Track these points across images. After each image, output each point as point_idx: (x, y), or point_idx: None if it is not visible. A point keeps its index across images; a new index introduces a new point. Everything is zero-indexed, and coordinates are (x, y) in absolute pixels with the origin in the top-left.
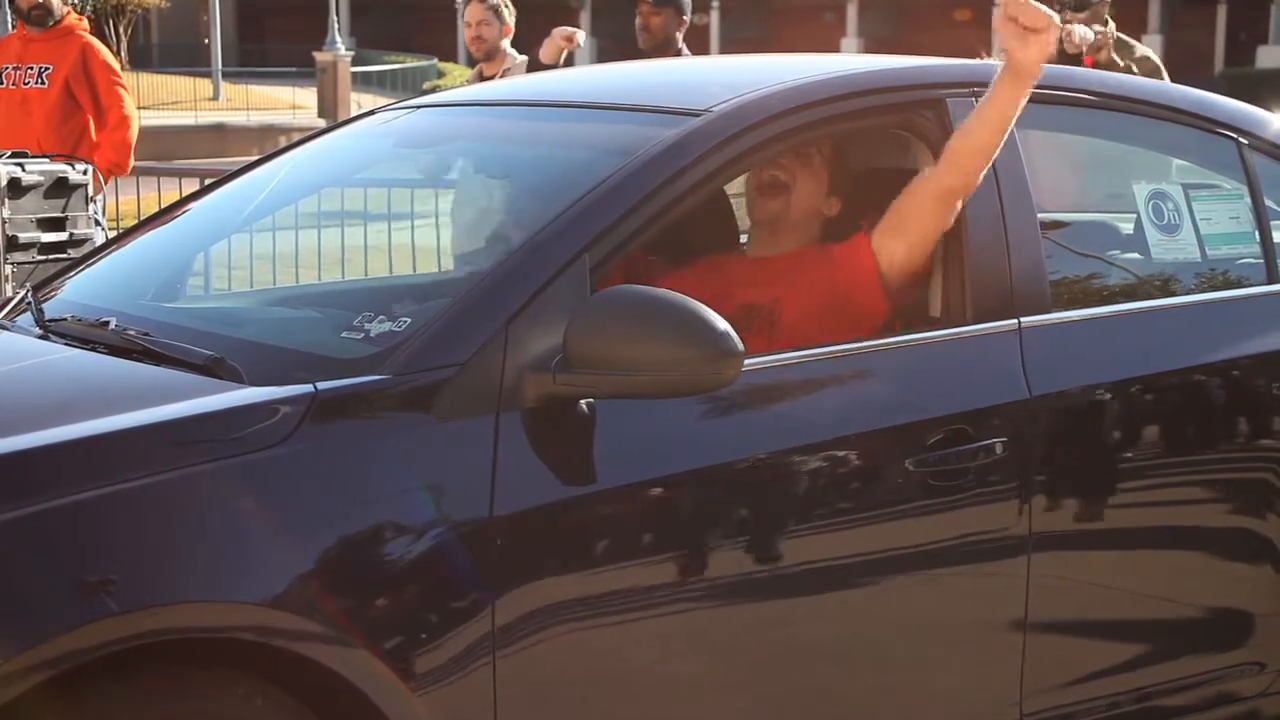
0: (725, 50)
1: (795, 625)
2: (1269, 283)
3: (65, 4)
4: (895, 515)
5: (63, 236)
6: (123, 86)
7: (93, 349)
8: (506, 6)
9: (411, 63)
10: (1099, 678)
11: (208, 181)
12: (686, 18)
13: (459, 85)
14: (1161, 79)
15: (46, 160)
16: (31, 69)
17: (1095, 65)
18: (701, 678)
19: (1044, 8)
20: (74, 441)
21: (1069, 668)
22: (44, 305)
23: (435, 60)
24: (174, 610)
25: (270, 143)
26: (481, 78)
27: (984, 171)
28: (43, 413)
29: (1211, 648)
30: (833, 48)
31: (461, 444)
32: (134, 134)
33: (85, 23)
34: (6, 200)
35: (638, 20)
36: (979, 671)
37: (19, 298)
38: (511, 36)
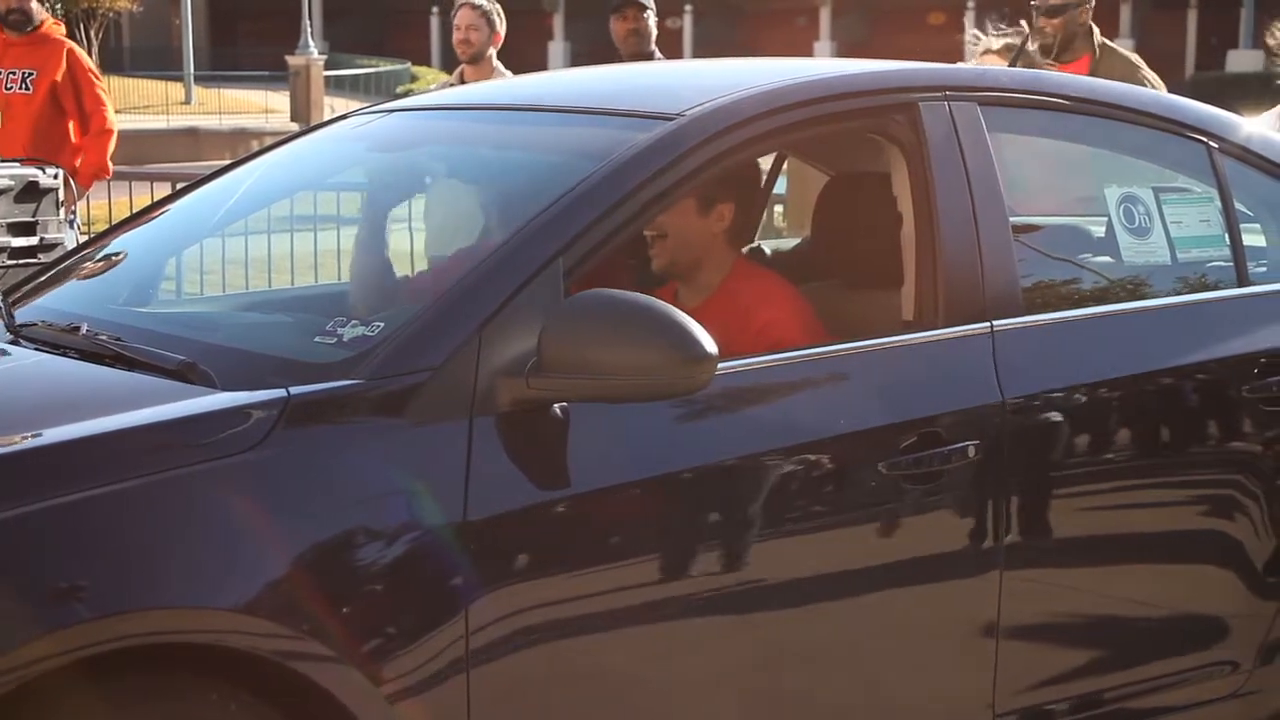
0: (698, 54)
1: (770, 628)
2: (1239, 285)
3: (44, 8)
4: (868, 518)
5: (33, 241)
6: (105, 91)
7: (63, 354)
8: (498, 15)
9: (385, 67)
10: (1072, 678)
11: (180, 186)
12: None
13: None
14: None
15: (16, 164)
16: (14, 74)
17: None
18: (676, 682)
19: None
20: (43, 447)
21: (1042, 668)
22: (14, 310)
23: (409, 64)
24: (146, 616)
25: (243, 147)
26: (463, 82)
27: None
28: (12, 419)
29: (1184, 648)
30: (806, 51)
31: (435, 448)
32: (115, 139)
33: (61, 27)
34: None
35: (627, 25)
36: (952, 671)
37: None
38: (499, 45)
